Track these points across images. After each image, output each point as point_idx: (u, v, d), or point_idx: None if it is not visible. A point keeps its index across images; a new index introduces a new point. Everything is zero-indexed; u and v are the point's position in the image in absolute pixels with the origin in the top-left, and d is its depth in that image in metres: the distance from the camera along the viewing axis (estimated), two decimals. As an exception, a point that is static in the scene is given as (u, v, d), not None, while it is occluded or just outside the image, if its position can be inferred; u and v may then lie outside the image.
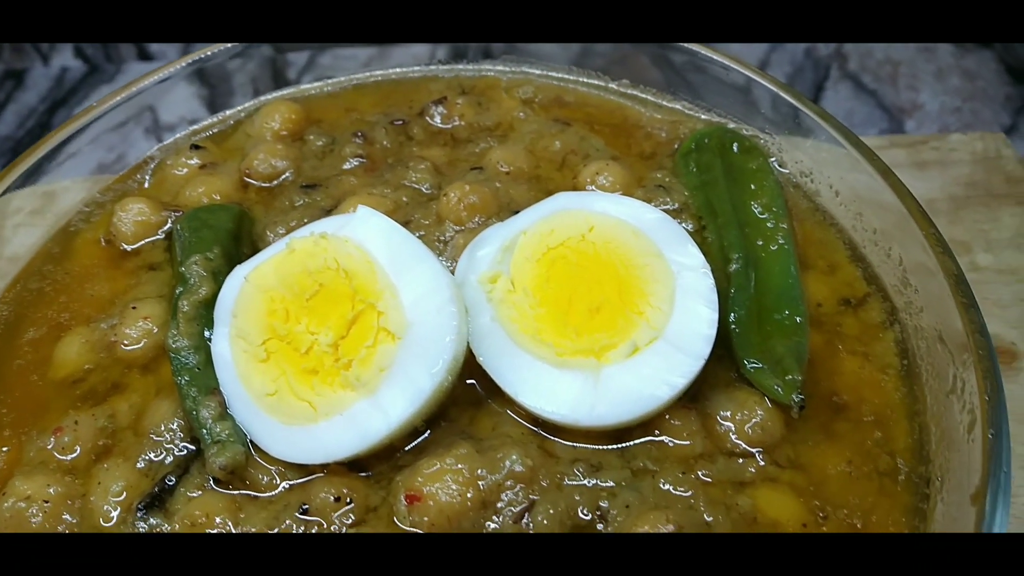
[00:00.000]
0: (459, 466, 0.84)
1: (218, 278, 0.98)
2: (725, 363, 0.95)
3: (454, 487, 0.83)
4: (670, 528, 0.79)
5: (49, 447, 0.91)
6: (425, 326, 0.87)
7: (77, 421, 0.93)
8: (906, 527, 0.84)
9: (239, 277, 0.95)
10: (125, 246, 1.11)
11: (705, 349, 0.88)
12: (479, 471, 0.85)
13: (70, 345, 1.01)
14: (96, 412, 0.94)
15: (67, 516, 0.86)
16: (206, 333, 0.96)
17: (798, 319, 0.97)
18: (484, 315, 0.93)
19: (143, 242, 1.11)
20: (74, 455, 0.91)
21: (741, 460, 0.88)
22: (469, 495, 0.83)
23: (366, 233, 0.92)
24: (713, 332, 0.89)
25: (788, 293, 0.99)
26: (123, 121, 1.26)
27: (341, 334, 0.88)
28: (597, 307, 0.90)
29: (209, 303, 0.97)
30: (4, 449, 0.93)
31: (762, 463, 0.88)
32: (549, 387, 0.89)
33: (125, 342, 0.99)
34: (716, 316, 0.90)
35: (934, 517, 0.83)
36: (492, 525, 0.83)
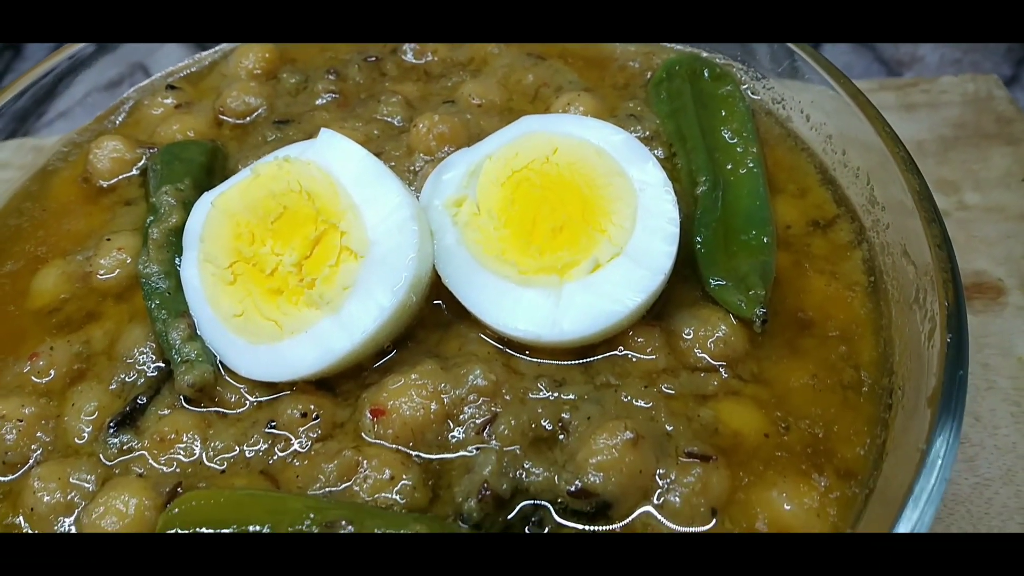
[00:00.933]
0: (423, 381, 0.85)
1: (188, 207, 0.99)
2: (691, 283, 0.95)
3: (417, 401, 0.85)
4: (628, 436, 0.80)
5: (25, 371, 0.93)
6: (387, 245, 0.88)
7: (53, 347, 0.95)
8: (867, 436, 0.84)
9: (206, 203, 0.96)
10: (102, 182, 1.12)
11: (666, 264, 0.88)
12: (442, 386, 0.86)
13: (47, 277, 1.02)
14: (72, 339, 0.96)
15: (41, 435, 0.88)
16: (176, 260, 0.97)
17: (765, 239, 0.97)
18: (449, 237, 0.93)
19: (118, 178, 1.12)
20: (49, 379, 0.93)
21: (704, 374, 0.89)
22: (432, 408, 0.84)
23: (328, 155, 0.93)
24: (674, 248, 0.89)
25: (756, 215, 0.99)
26: (116, 80, 1.27)
27: (305, 254, 0.89)
28: (560, 227, 0.91)
29: (179, 231, 0.98)
30: (-13, 364, 0.95)
31: (725, 376, 0.88)
32: (512, 305, 0.89)
33: (100, 272, 1.01)
34: (677, 232, 0.90)
35: (894, 425, 0.83)
36: (455, 437, 0.84)
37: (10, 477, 0.87)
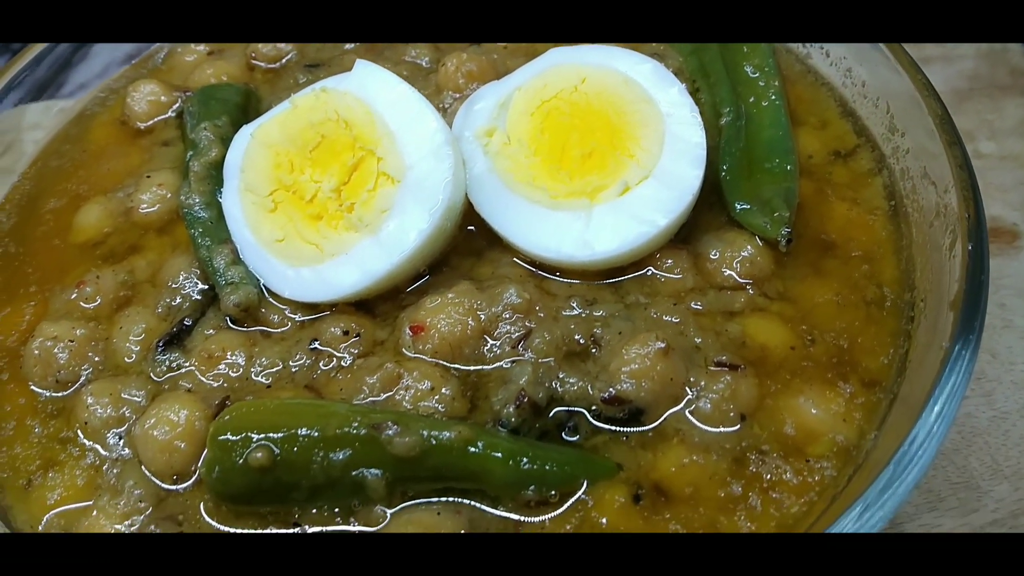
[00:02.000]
0: (459, 299, 0.89)
1: (226, 143, 1.03)
2: (716, 210, 0.98)
3: (455, 317, 0.88)
4: (659, 345, 0.83)
5: (72, 298, 0.97)
6: (423, 169, 0.91)
7: (99, 276, 0.98)
8: (891, 347, 0.87)
9: (245, 135, 0.99)
10: (139, 124, 1.15)
11: (694, 185, 0.91)
12: (478, 303, 0.89)
13: (89, 213, 1.06)
14: (116, 268, 1.00)
15: (91, 355, 0.92)
16: (216, 193, 1.00)
17: (788, 167, 0.99)
18: (480, 166, 0.96)
19: (155, 120, 1.15)
20: (96, 304, 0.96)
21: (731, 292, 0.91)
22: (469, 325, 0.88)
23: (365, 85, 0.95)
24: (701, 171, 0.92)
25: (778, 144, 1.01)
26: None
27: (343, 180, 0.92)
28: (589, 153, 0.93)
29: (218, 164, 1.02)
30: (31, 304, 0.98)
31: (751, 294, 0.91)
32: (544, 228, 0.92)
33: (141, 207, 1.04)
34: (704, 155, 0.92)
35: (917, 336, 0.86)
36: (491, 352, 0.88)
37: (63, 394, 0.90)
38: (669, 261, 0.93)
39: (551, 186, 0.93)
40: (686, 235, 0.96)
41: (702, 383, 0.83)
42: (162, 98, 1.15)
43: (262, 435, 0.78)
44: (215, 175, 1.01)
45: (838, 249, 0.95)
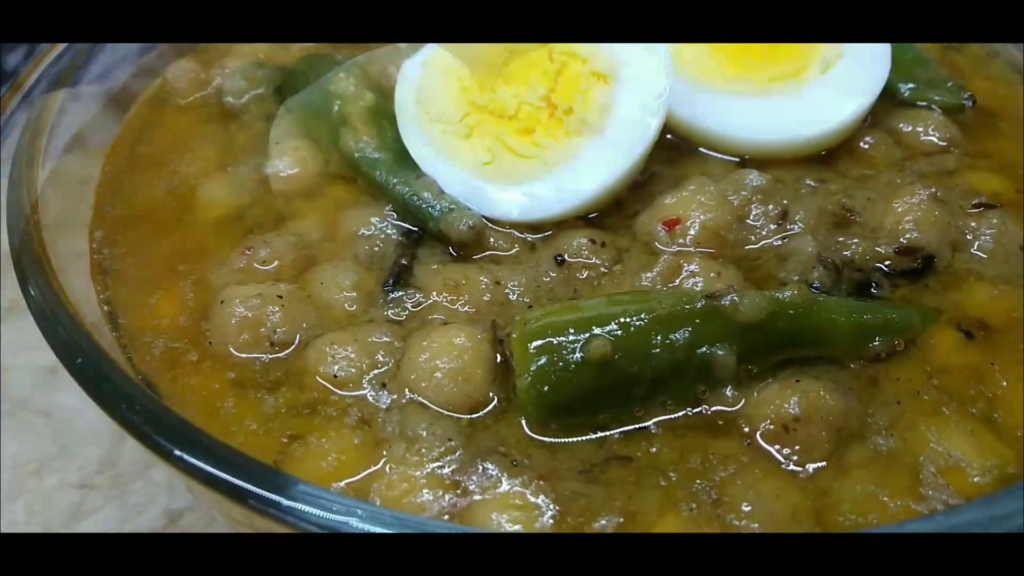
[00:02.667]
0: (703, 189, 0.83)
1: (371, 89, 0.93)
2: (881, 97, 0.99)
3: (708, 204, 0.82)
4: (931, 190, 0.82)
5: (243, 265, 0.81)
6: (637, 63, 0.86)
7: (266, 240, 0.83)
8: (1099, 178, 0.91)
9: (415, 66, 0.90)
10: (231, 100, 1.01)
11: (887, 55, 0.93)
12: (725, 190, 0.84)
13: (214, 188, 0.90)
14: (279, 233, 0.85)
15: (304, 311, 0.76)
16: (386, 137, 0.89)
17: (921, 54, 1.04)
18: (663, 75, 0.93)
19: (250, 95, 1.02)
20: (276, 266, 0.81)
21: (940, 156, 0.93)
22: (726, 211, 0.82)
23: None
24: (888, 47, 0.94)
25: (903, 40, 1.06)
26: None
27: (551, 88, 0.85)
28: (771, 53, 0.93)
29: (373, 110, 0.91)
30: (187, 281, 0.81)
31: (956, 153, 0.93)
32: (758, 114, 0.90)
33: (281, 173, 0.90)
34: (885, 29, 0.95)
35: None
36: (756, 233, 0.82)
37: (284, 353, 0.74)
38: (869, 139, 0.93)
39: (754, 76, 0.91)
40: (868, 122, 0.97)
41: (972, 224, 0.83)
42: (257, 73, 1.03)
43: (587, 330, 0.68)
44: (374, 120, 0.90)
45: (1002, 113, 1.00)
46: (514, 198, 0.83)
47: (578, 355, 0.66)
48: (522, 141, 0.85)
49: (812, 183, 0.88)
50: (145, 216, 0.89)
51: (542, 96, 0.85)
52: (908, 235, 0.80)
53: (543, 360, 0.67)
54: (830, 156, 0.92)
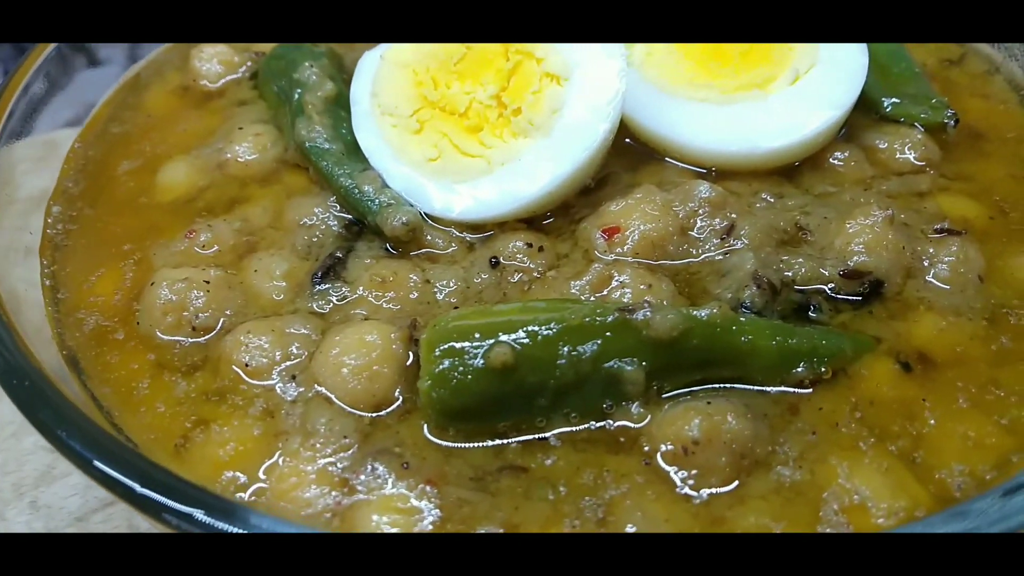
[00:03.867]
0: (650, 198, 0.81)
1: (334, 80, 0.93)
2: (862, 109, 0.95)
3: (651, 214, 0.80)
4: (888, 213, 0.78)
5: (184, 248, 0.82)
6: (592, 65, 0.84)
7: (210, 224, 0.84)
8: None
9: (374, 59, 0.90)
10: (208, 85, 1.03)
11: (863, 67, 0.89)
12: (671, 201, 0.82)
13: (175, 170, 0.92)
14: (226, 218, 0.86)
15: (231, 297, 0.77)
16: (340, 128, 0.89)
17: (916, 69, 0.99)
18: (629, 77, 0.90)
19: (225, 80, 1.03)
20: (215, 251, 0.82)
21: (913, 176, 0.88)
22: (668, 221, 0.80)
23: (510, -9, 0.89)
24: (867, 56, 0.90)
25: (897, 53, 1.01)
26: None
27: (503, 86, 0.84)
28: (747, 50, 0.90)
29: (334, 99, 0.91)
30: (130, 261, 0.83)
31: (931, 174, 0.89)
32: (717, 124, 0.87)
33: (239, 158, 0.91)
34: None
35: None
36: (697, 246, 0.80)
37: (204, 339, 0.75)
38: (840, 154, 0.90)
39: (719, 82, 0.88)
40: (846, 134, 0.93)
41: (930, 250, 0.79)
42: (234, 58, 1.04)
43: (493, 336, 0.67)
44: (332, 110, 0.91)
45: (989, 134, 0.95)
46: (456, 196, 0.82)
47: (480, 361, 0.65)
48: (469, 139, 0.84)
49: (769, 198, 0.85)
50: (104, 195, 0.91)
51: (493, 95, 0.84)
52: (857, 258, 0.77)
53: (446, 363, 0.66)
54: (796, 170, 0.89)
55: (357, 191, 0.83)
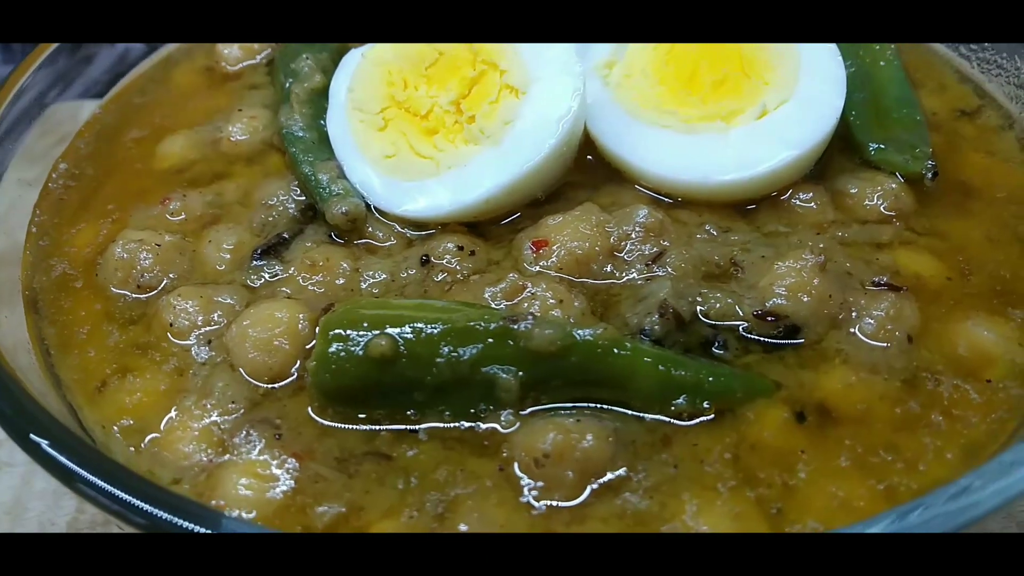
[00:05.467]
0: (586, 216, 0.82)
1: (327, 74, 0.98)
2: (847, 154, 0.93)
3: (582, 232, 0.81)
4: (818, 259, 0.76)
5: (156, 213, 0.90)
6: (549, 82, 0.86)
7: (185, 195, 0.92)
8: (1056, 279, 0.80)
9: (355, 56, 0.94)
10: (227, 67, 1.11)
11: (836, 109, 0.87)
12: (607, 221, 0.82)
13: (173, 143, 1.00)
14: (204, 190, 0.93)
15: (178, 262, 0.84)
16: (320, 120, 0.95)
17: (917, 117, 0.95)
18: (600, 97, 0.92)
19: (243, 64, 1.11)
20: (182, 219, 0.90)
21: (876, 225, 0.85)
22: (597, 241, 0.80)
23: None
24: (842, 99, 0.87)
25: (903, 97, 0.97)
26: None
27: (463, 94, 0.87)
28: (721, 80, 0.89)
29: (320, 92, 0.97)
30: (110, 219, 0.91)
31: (898, 226, 0.85)
32: (675, 152, 0.87)
33: (232, 137, 0.99)
34: (845, 82, 0.88)
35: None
36: (622, 270, 0.80)
37: (145, 296, 0.82)
38: (804, 195, 0.87)
39: (683, 111, 0.88)
40: (819, 174, 0.90)
41: (862, 302, 0.76)
42: (255, 45, 1.12)
43: (380, 328, 0.70)
44: (316, 101, 0.97)
45: (981, 192, 0.90)
46: (404, 194, 0.86)
47: (361, 350, 0.69)
48: (424, 141, 0.87)
49: (713, 231, 0.84)
50: (107, 158, 1.00)
51: (452, 101, 0.87)
52: (776, 300, 0.75)
53: (334, 347, 0.70)
54: (753, 202, 0.88)
55: (314, 178, 0.88)
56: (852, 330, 0.75)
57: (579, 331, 0.69)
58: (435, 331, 0.70)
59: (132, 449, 0.71)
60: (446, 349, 0.69)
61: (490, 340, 0.69)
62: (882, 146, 0.91)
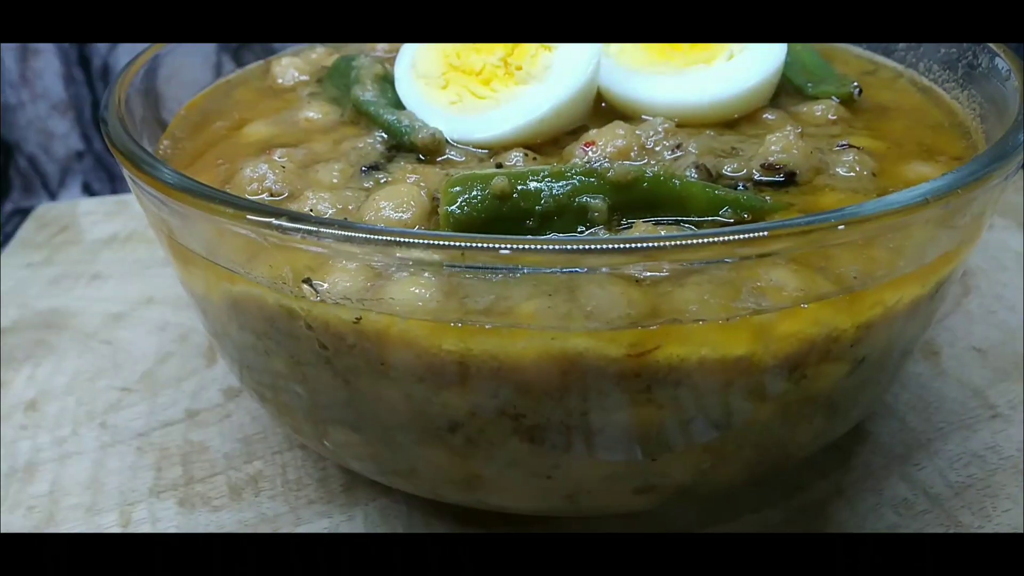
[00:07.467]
0: (620, 130, 1.07)
1: (386, 66, 1.23)
2: (789, 93, 1.23)
3: (619, 134, 1.05)
4: (798, 130, 1.03)
5: (262, 159, 1.08)
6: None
7: (284, 149, 1.11)
8: (963, 140, 1.10)
9: (413, 45, 1.20)
10: (283, 83, 1.34)
11: (782, 50, 1.17)
12: (635, 128, 1.07)
13: (256, 125, 1.20)
14: (296, 147, 1.12)
15: (300, 177, 1.02)
16: (386, 94, 1.18)
17: (835, 72, 1.28)
18: (607, 63, 1.20)
19: (296, 80, 1.34)
20: (286, 161, 1.08)
21: (828, 126, 1.14)
22: (632, 140, 1.05)
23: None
24: (785, 46, 1.19)
25: (822, 64, 1.30)
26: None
27: (509, 52, 1.13)
28: (690, 47, 1.19)
29: (381, 78, 1.21)
30: (223, 167, 1.09)
31: (842, 125, 1.14)
32: (671, 86, 1.15)
33: (308, 116, 1.20)
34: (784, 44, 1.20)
35: (985, 135, 1.10)
36: (654, 156, 1.04)
37: (279, 198, 0.99)
38: (769, 115, 1.16)
39: (672, 62, 1.17)
40: (776, 105, 1.19)
41: (834, 158, 1.03)
42: (306, 67, 1.36)
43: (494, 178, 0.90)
44: (380, 86, 1.20)
45: (892, 109, 1.21)
46: (471, 124, 1.09)
47: (485, 188, 0.89)
48: (482, 88, 1.11)
49: (712, 133, 1.10)
50: (202, 137, 1.18)
51: (501, 58, 1.13)
52: (774, 156, 1.00)
53: (457, 189, 0.89)
54: (736, 123, 1.15)
55: (398, 123, 1.10)
56: (831, 171, 1.01)
57: (644, 168, 0.92)
58: (540, 174, 0.91)
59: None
60: (548, 185, 0.90)
61: (580, 177, 0.91)
62: (813, 84, 1.22)
